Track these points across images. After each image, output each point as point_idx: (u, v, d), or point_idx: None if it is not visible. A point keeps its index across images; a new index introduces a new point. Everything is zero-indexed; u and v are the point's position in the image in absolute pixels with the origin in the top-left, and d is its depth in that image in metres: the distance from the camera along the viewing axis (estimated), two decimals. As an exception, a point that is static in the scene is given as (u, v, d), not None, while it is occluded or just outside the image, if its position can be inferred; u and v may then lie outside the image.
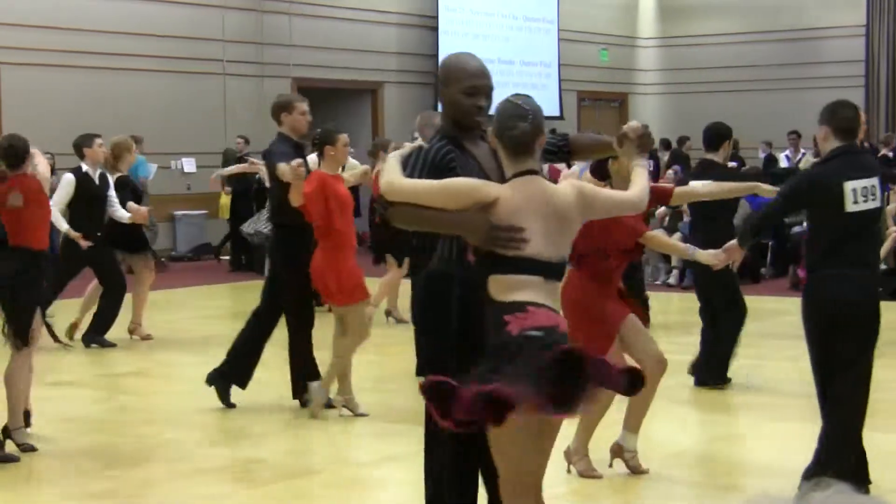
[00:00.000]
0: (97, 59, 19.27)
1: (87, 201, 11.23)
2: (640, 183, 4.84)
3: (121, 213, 11.47)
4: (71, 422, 8.69)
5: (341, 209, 8.27)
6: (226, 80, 21.20)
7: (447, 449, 4.83)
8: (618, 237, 6.44)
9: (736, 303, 9.48)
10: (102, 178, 11.47)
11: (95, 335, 11.62)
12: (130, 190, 12.01)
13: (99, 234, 11.36)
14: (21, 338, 7.50)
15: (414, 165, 4.75)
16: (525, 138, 4.48)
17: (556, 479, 6.59)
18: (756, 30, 27.72)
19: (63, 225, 11.14)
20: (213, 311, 14.58)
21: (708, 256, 6.59)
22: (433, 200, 4.53)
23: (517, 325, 4.34)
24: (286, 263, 8.60)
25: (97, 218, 11.39)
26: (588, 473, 6.76)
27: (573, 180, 4.85)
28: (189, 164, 19.97)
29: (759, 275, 16.54)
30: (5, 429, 7.61)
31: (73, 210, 11.29)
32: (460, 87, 4.83)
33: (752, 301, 14.72)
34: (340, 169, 8.78)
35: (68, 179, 11.29)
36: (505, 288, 4.41)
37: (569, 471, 6.78)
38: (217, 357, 11.30)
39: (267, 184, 10.51)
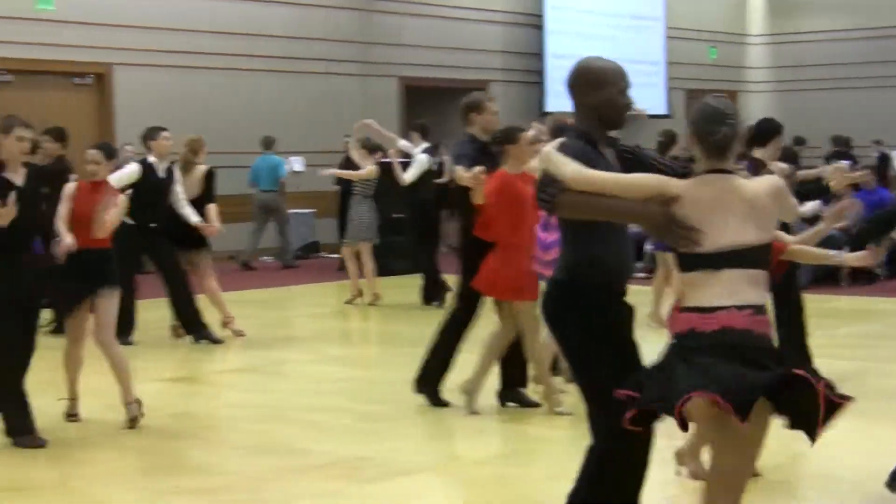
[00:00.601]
0: (207, 60, 19.53)
1: (147, 191, 11.30)
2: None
3: (187, 211, 11.59)
4: (184, 417, 8.82)
5: (522, 209, 8.18)
6: (333, 80, 21.36)
7: (621, 450, 4.86)
8: None
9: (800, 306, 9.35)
10: (168, 171, 11.59)
11: (200, 330, 11.76)
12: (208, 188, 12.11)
13: (154, 224, 11.44)
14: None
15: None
16: (726, 142, 4.63)
17: (667, 480, 6.54)
18: (868, 26, 27.28)
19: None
20: (323, 308, 14.68)
21: (857, 259, 6.50)
22: (619, 191, 4.65)
23: (669, 329, 4.67)
24: (472, 261, 8.47)
25: (158, 209, 11.46)
26: (700, 475, 6.68)
27: (770, 176, 5.00)
28: (298, 164, 20.13)
29: (875, 276, 16.25)
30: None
31: (133, 199, 11.25)
32: (616, 87, 4.97)
33: (866, 302, 14.56)
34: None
35: (132, 167, 11.43)
36: (684, 287, 4.62)
37: (678, 472, 6.71)
38: (325, 354, 11.43)
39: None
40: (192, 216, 11.58)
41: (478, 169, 8.13)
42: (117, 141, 17.91)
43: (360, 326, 13.76)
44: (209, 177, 12.01)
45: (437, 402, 8.68)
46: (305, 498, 6.63)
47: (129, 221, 11.28)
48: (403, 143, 14.71)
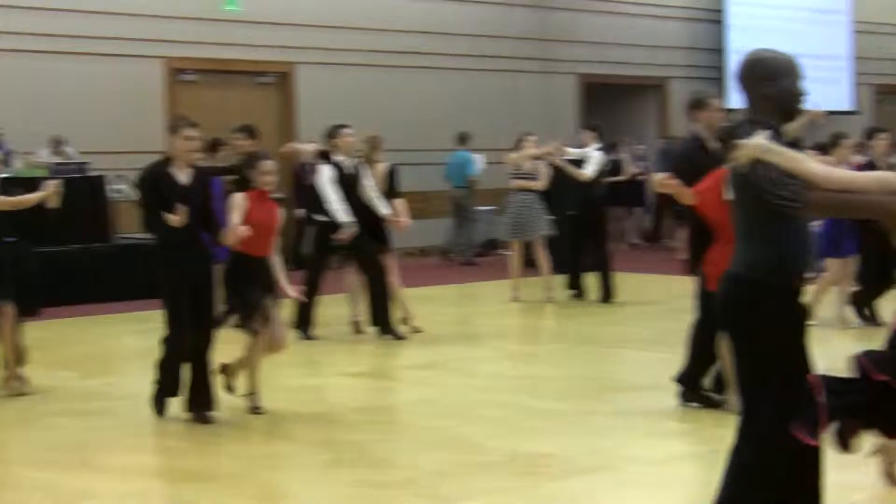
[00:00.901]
0: (387, 58, 19.74)
1: (338, 189, 11.55)
2: None
3: (379, 204, 11.75)
4: (366, 411, 8.93)
5: None
6: (512, 77, 21.38)
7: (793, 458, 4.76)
8: None
9: None
10: (356, 167, 11.77)
11: (384, 326, 11.85)
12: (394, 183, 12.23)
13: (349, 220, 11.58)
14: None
15: None
16: None
17: (861, 483, 6.37)
18: None
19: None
20: (501, 305, 14.67)
21: None
22: (864, 188, 4.63)
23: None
24: (698, 258, 8.40)
25: (349, 205, 11.59)
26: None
27: None
28: (479, 161, 20.19)
29: None
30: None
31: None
32: (794, 77, 4.99)
33: None
34: None
35: (327, 170, 11.64)
36: None
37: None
38: (505, 350, 11.44)
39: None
40: (383, 208, 11.76)
41: (663, 175, 8.11)
42: (299, 139, 18.23)
43: (539, 323, 13.74)
44: (392, 173, 12.16)
45: (705, 402, 8.48)
46: (484, 494, 6.63)
47: (323, 219, 11.62)
48: (572, 151, 14.78)
